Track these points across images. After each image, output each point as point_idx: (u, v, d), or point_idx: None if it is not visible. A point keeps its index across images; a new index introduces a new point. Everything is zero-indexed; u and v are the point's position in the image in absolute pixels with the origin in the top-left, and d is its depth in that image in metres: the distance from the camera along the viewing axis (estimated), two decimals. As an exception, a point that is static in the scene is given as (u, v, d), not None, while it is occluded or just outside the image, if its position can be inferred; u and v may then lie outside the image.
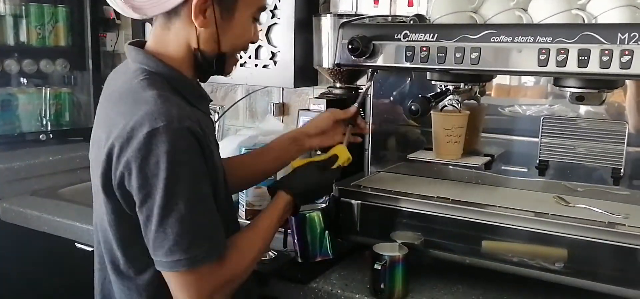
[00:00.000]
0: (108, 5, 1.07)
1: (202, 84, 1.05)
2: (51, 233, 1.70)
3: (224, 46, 0.97)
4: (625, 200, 1.16)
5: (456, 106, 1.23)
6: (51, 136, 2.26)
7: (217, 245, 0.92)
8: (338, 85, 1.63)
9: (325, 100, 1.54)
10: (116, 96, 0.96)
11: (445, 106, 1.24)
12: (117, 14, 2.42)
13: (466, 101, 1.28)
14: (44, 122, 2.28)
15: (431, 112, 1.21)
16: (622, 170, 1.15)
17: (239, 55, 1.06)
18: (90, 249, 1.60)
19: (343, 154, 1.17)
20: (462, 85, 1.19)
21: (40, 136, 2.25)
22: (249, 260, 1.00)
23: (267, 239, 1.06)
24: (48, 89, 2.29)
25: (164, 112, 0.86)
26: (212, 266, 0.91)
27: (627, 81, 1.14)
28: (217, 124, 2.09)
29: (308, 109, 1.56)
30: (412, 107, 1.10)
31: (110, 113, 0.94)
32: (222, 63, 1.00)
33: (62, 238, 1.67)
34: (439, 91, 1.21)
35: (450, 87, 1.19)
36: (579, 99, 1.12)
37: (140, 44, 1.01)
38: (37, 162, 2.03)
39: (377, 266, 1.13)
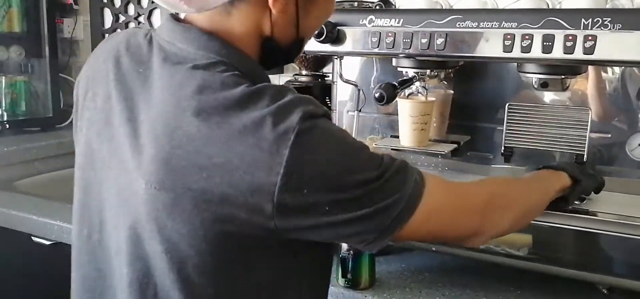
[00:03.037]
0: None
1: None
2: (6, 227, 1.63)
3: (303, 30, 0.78)
4: (588, 186, 1.18)
5: (423, 92, 1.22)
6: (7, 126, 2.17)
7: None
8: (304, 72, 1.61)
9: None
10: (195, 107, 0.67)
11: (412, 92, 1.22)
12: (75, -1, 2.34)
13: (433, 88, 1.27)
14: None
15: (397, 98, 1.20)
16: (585, 156, 1.16)
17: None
18: (47, 242, 1.55)
19: None
20: (428, 71, 1.18)
21: (-5, 127, 2.16)
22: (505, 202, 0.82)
23: (534, 204, 0.90)
24: (2, 77, 2.19)
25: (294, 103, 0.66)
26: (443, 180, 0.78)
27: (589, 68, 1.15)
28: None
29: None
30: (377, 94, 1.08)
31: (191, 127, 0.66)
32: (297, 50, 0.81)
33: (18, 231, 1.60)
34: (405, 77, 1.19)
35: (416, 74, 1.18)
36: (544, 85, 1.12)
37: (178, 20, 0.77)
38: (-9, 154, 1.95)
39: (343, 255, 1.12)
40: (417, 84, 1.21)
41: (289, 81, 1.61)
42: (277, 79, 1.87)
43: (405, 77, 1.18)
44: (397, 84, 1.12)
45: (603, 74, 1.17)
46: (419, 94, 1.22)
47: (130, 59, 0.75)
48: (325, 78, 1.60)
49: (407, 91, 1.22)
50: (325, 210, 0.65)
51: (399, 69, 1.21)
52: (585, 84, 1.19)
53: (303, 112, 0.64)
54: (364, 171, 0.67)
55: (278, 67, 0.87)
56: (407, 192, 0.69)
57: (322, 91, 1.54)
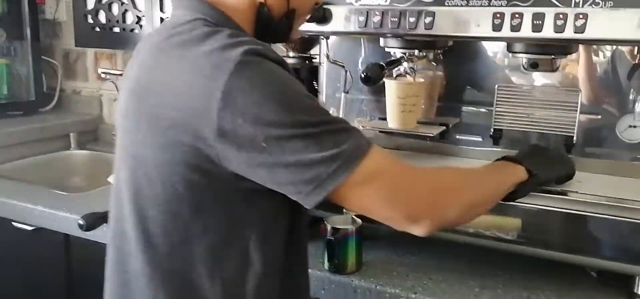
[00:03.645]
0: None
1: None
2: (-13, 212, 1.60)
3: (294, 2, 0.81)
4: (578, 167, 1.16)
5: (411, 73, 1.20)
6: (-12, 109, 2.12)
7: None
8: (291, 54, 1.58)
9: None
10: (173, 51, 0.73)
11: (400, 73, 1.20)
12: (58, -20, 2.29)
13: (422, 69, 1.25)
14: (-20, 96, 2.14)
15: (385, 80, 1.17)
16: (574, 138, 1.14)
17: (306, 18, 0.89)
18: (29, 228, 1.52)
19: None
20: (416, 51, 1.15)
21: (-24, 110, 2.11)
22: (454, 190, 0.79)
23: (487, 195, 0.84)
24: (-17, 60, 2.14)
25: (245, 41, 0.69)
26: (386, 155, 0.73)
27: (580, 48, 1.13)
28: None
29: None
30: (363, 75, 1.06)
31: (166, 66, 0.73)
32: (289, 24, 0.83)
33: (-1, 217, 1.57)
34: (393, 58, 1.17)
35: (404, 54, 1.15)
36: (533, 65, 1.10)
37: None
38: (-29, 138, 1.91)
39: (330, 239, 1.10)
40: (405, 64, 1.18)
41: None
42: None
43: (393, 58, 1.16)
44: (384, 65, 1.09)
45: (593, 55, 1.15)
46: (407, 76, 1.20)
47: (146, 41, 0.83)
48: (313, 60, 1.56)
49: (395, 72, 1.19)
50: (263, 147, 0.66)
51: (386, 49, 1.18)
52: (576, 66, 1.17)
53: (249, 48, 0.68)
54: (303, 113, 0.68)
55: (273, 42, 0.86)
56: (348, 150, 0.68)
57: (310, 73, 1.51)
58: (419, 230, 0.75)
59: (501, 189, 0.87)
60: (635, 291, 1.03)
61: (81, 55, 2.32)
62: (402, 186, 0.74)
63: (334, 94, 1.34)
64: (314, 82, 1.43)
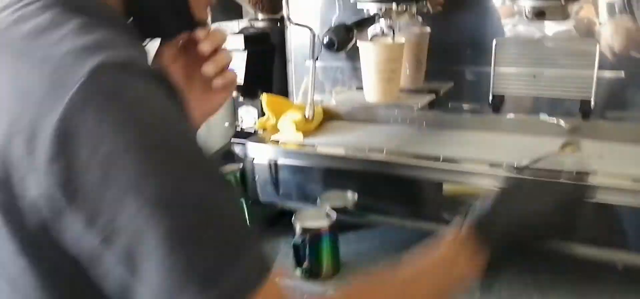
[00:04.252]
0: None
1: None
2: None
3: None
4: (597, 136, 0.95)
5: (390, 33, 0.99)
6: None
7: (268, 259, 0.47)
8: (260, 16, 1.38)
9: (243, 36, 1.29)
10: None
11: (377, 34, 0.99)
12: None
13: (406, 26, 1.04)
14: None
15: (358, 42, 0.97)
16: (592, 101, 0.94)
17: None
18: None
19: None
20: (394, 5, 0.94)
21: None
22: None
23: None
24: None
25: (103, 44, 0.44)
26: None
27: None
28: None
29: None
30: (326, 39, 0.86)
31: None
32: (176, 12, 0.57)
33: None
34: (366, 16, 0.96)
35: (379, 11, 0.95)
36: (539, 14, 0.90)
37: None
38: None
39: (297, 241, 0.92)
40: (382, 22, 0.97)
41: (244, 28, 1.38)
42: (237, 26, 1.63)
43: (364, 17, 0.95)
44: (351, 26, 0.89)
45: (614, -4, 0.94)
46: (386, 36, 0.99)
47: None
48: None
49: (371, 33, 0.99)
50: (102, 236, 0.41)
51: (358, 5, 0.98)
52: (592, 10, 0.96)
53: (107, 57, 0.42)
54: (189, 178, 0.42)
55: (154, 34, 0.59)
56: (227, 284, 0.42)
57: (281, 37, 1.31)
58: None
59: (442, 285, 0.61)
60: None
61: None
62: None
63: (304, 62, 1.15)
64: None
